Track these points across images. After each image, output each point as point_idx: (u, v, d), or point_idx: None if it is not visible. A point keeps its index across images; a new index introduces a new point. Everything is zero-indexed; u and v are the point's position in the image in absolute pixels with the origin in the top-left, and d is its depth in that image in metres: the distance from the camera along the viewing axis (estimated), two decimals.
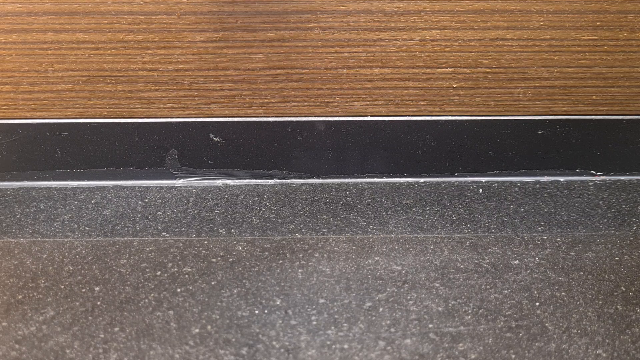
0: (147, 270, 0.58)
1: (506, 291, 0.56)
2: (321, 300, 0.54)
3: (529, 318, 0.52)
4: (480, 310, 0.53)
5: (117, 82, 0.73)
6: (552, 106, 0.75)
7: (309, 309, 0.53)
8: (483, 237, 0.65)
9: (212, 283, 0.56)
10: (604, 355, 0.48)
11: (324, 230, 0.66)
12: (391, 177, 0.78)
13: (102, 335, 0.49)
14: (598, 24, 0.71)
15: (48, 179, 0.77)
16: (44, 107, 0.74)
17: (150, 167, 0.77)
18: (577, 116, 0.76)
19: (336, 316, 0.52)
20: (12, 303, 0.54)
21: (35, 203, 0.72)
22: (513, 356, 0.48)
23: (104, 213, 0.69)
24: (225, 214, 0.69)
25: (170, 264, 0.59)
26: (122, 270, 0.58)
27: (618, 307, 0.54)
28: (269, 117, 0.75)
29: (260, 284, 0.56)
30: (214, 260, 0.60)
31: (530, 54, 0.72)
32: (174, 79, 0.73)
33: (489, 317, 0.52)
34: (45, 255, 0.61)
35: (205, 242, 0.63)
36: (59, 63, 0.72)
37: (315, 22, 0.70)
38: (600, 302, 0.54)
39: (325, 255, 0.61)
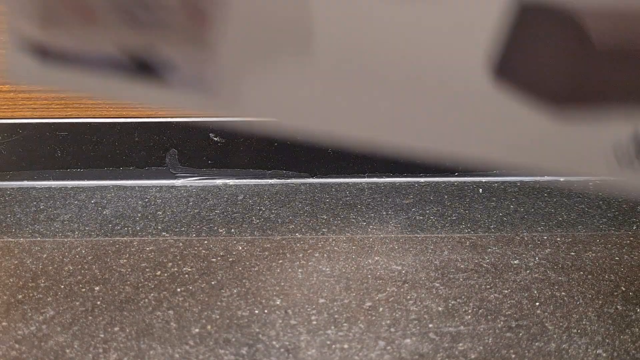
0: (147, 270, 0.58)
1: (506, 291, 0.56)
2: (321, 300, 0.54)
3: (529, 318, 0.52)
4: (480, 310, 0.53)
5: None
6: None
7: (309, 309, 0.53)
8: (483, 237, 0.65)
9: (212, 283, 0.56)
10: (604, 355, 0.48)
11: (324, 230, 0.66)
12: (391, 176, 0.78)
13: (102, 335, 0.49)
14: None
15: (48, 179, 0.77)
16: (44, 107, 0.74)
17: (150, 167, 0.76)
18: None
19: (336, 316, 0.52)
20: (12, 303, 0.54)
21: (35, 203, 0.72)
22: (513, 356, 0.48)
23: (104, 213, 0.69)
24: (225, 213, 0.69)
25: (170, 264, 0.59)
26: (122, 270, 0.58)
27: (618, 306, 0.54)
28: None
29: (260, 283, 0.56)
30: (213, 260, 0.60)
31: None
32: None
33: (489, 317, 0.52)
34: (45, 255, 0.61)
35: (205, 241, 0.63)
36: None
37: None
38: (600, 302, 0.54)
39: (325, 255, 0.61)
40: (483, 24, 0.26)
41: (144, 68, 0.24)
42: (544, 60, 0.28)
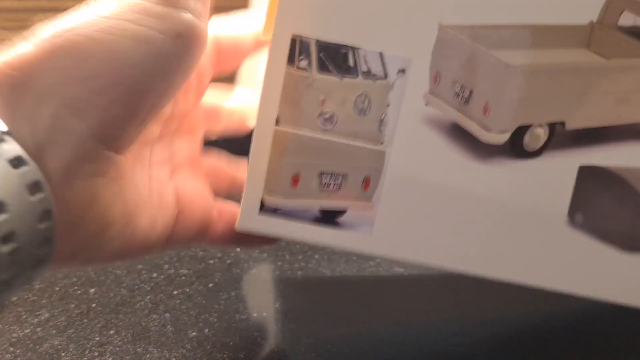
0: (143, 272, 0.58)
1: (511, 292, 0.55)
2: (321, 303, 0.54)
3: (533, 319, 0.52)
4: (485, 313, 0.53)
5: None
6: None
7: (308, 312, 0.52)
8: None
9: (210, 285, 0.56)
10: (609, 356, 0.48)
11: None
12: None
13: (97, 338, 0.49)
14: None
15: None
16: None
17: None
18: None
19: (336, 319, 0.52)
20: (6, 305, 0.53)
21: None
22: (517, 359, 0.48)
23: None
24: None
25: (166, 266, 0.59)
26: (118, 272, 0.58)
27: (624, 307, 0.53)
28: None
29: (258, 286, 0.56)
30: (211, 262, 0.59)
31: None
32: None
33: (494, 319, 0.52)
34: None
35: None
36: None
37: None
38: (604, 303, 0.54)
39: (325, 257, 0.60)
40: (560, 181, 0.37)
41: (326, 217, 0.37)
42: (608, 212, 0.38)
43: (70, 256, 0.33)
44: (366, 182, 0.36)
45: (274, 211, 0.36)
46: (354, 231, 0.36)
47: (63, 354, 0.47)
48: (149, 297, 0.54)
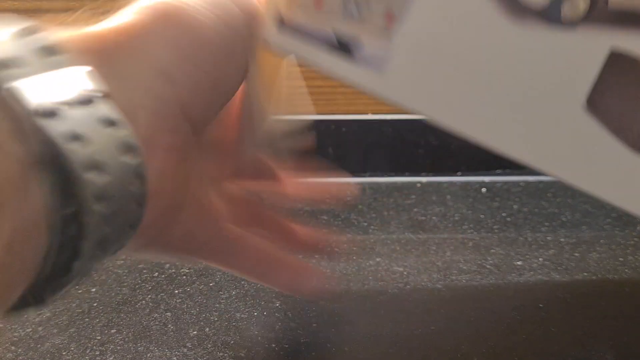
0: (145, 271, 0.58)
1: (509, 292, 0.55)
2: (321, 302, 0.54)
3: (532, 320, 0.51)
4: (483, 313, 0.52)
5: None
6: None
7: (308, 311, 0.52)
8: (486, 238, 0.64)
9: (210, 284, 0.56)
10: (608, 357, 0.48)
11: (324, 230, 0.65)
12: (393, 176, 0.77)
13: (98, 337, 0.49)
14: None
15: None
16: None
17: None
18: None
19: (337, 318, 0.52)
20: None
21: None
22: (516, 359, 0.47)
23: None
24: None
25: (167, 265, 0.59)
26: (119, 271, 0.58)
27: (622, 308, 0.53)
28: None
29: (258, 285, 0.56)
30: None
31: None
32: None
33: (491, 319, 0.52)
34: None
35: None
36: None
37: None
38: (604, 304, 0.54)
39: (325, 256, 0.60)
40: (588, 61, 0.34)
41: (343, 46, 0.35)
42: (630, 107, 0.36)
43: (145, 228, 0.32)
44: (389, 18, 0.34)
45: (294, 32, 0.35)
46: (367, 68, 0.35)
47: (64, 353, 0.47)
48: (150, 296, 0.54)
